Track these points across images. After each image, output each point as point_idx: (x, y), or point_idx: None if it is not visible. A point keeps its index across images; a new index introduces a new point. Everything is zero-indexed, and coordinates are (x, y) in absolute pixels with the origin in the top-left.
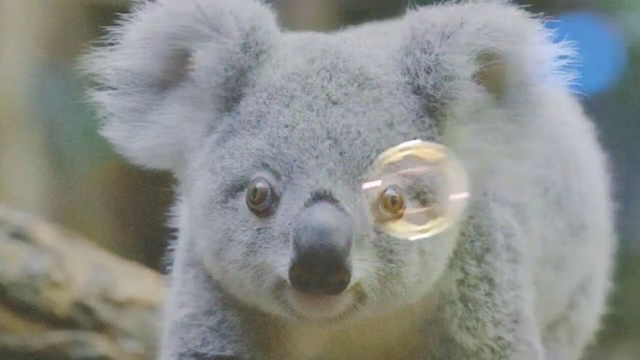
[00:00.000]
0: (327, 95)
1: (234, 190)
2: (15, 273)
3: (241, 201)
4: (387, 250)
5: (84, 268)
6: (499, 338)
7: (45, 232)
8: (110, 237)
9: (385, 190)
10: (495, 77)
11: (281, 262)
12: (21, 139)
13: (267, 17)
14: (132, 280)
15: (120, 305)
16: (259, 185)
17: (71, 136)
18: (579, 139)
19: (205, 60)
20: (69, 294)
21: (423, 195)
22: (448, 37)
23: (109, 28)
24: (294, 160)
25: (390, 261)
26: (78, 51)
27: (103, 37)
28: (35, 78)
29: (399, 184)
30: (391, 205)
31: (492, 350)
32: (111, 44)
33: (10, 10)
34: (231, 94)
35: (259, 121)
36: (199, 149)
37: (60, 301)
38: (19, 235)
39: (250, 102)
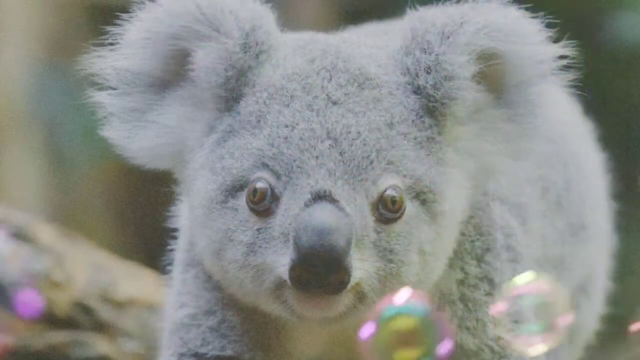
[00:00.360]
0: (327, 95)
1: (234, 190)
2: (15, 273)
3: (241, 201)
4: (387, 250)
5: (84, 268)
6: (499, 338)
7: (45, 232)
8: (110, 237)
9: (385, 191)
10: (495, 77)
11: (281, 262)
12: (21, 139)
13: (267, 17)
14: (132, 280)
15: (120, 305)
16: (259, 185)
17: (71, 136)
18: (579, 139)
19: (205, 60)
20: (69, 294)
21: (423, 195)
22: (448, 37)
23: (109, 28)
24: (294, 160)
25: (390, 261)
26: (78, 51)
27: (103, 37)
28: (35, 78)
29: (399, 184)
30: (391, 206)
31: (492, 350)
32: (111, 44)
33: (10, 10)
34: (231, 94)
35: (259, 121)
36: (199, 149)
37: (60, 301)
38: (19, 235)
39: (250, 102)
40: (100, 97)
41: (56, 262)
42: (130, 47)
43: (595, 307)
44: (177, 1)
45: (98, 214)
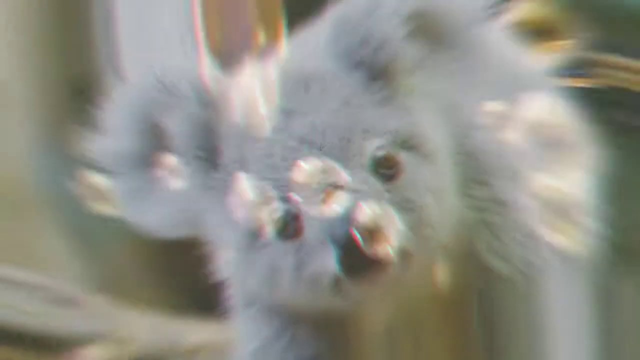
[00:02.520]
0: (282, 110)
1: (256, 230)
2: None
3: (268, 235)
4: (404, 201)
5: (142, 329)
6: (525, 259)
7: (92, 302)
8: (156, 302)
9: (374, 154)
10: (431, 27)
11: (328, 263)
12: (43, 217)
13: (212, 69)
14: (196, 331)
15: (190, 352)
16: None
17: (89, 212)
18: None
19: (174, 127)
20: (134, 349)
21: (407, 143)
22: (374, 10)
23: (90, 109)
24: (287, 179)
25: (412, 210)
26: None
27: (86, 117)
28: (38, 159)
29: (382, 143)
30: (386, 163)
31: (522, 272)
32: (94, 127)
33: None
34: (208, 151)
35: (243, 164)
36: (209, 208)
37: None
38: (67, 302)
39: (226, 151)
40: (99, 179)
41: (114, 324)
42: (112, 132)
43: None
44: (143, 77)
45: (142, 281)
